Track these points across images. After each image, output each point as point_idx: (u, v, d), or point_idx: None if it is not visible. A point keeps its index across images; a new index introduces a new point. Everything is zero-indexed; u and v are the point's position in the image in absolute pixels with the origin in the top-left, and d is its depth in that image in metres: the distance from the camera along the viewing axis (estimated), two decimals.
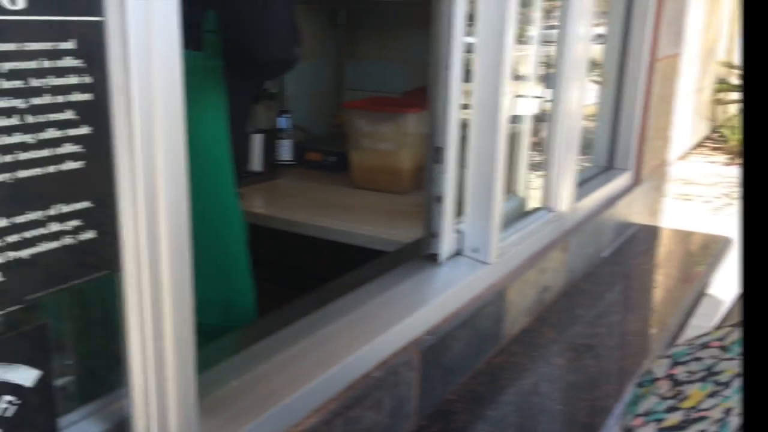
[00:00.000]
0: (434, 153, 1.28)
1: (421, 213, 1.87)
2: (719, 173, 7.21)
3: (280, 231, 1.85)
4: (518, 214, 1.58)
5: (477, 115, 1.32)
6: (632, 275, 1.87)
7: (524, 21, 1.66)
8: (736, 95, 8.80)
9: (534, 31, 1.68)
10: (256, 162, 2.19)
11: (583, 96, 1.70)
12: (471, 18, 1.28)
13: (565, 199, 1.65)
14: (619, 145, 2.13)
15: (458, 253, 1.35)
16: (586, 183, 1.94)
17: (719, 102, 9.03)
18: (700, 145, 8.50)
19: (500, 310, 1.36)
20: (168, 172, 0.65)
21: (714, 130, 9.11)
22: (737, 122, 8.15)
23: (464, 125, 1.31)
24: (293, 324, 1.05)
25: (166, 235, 0.67)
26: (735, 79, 8.74)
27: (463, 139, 1.31)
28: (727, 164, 7.65)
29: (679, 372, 0.73)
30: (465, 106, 1.31)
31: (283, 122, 2.39)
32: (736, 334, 0.74)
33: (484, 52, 1.29)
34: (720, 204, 5.97)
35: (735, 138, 7.96)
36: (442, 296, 1.17)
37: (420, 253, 1.32)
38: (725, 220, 5.39)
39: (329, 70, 2.77)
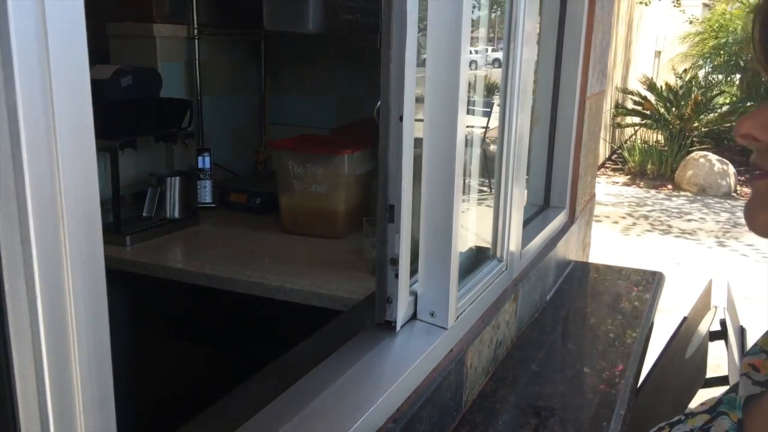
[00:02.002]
0: (386, 211, 1.17)
1: (360, 261, 1.77)
2: (621, 193, 7.55)
3: (202, 288, 1.67)
4: (469, 266, 1.49)
5: (429, 160, 1.22)
6: (577, 320, 1.83)
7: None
8: (632, 119, 9.29)
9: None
10: (173, 207, 2.00)
11: (528, 126, 1.64)
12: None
13: (513, 246, 1.59)
14: (554, 183, 2.11)
15: (414, 317, 1.24)
16: (527, 225, 1.89)
17: (618, 125, 9.50)
18: (602, 166, 8.89)
19: (460, 377, 1.26)
20: None
21: (614, 152, 9.56)
22: (634, 144, 8.59)
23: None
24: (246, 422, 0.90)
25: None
26: (631, 104, 9.23)
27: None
28: (627, 184, 8.03)
29: None
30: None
31: (202, 161, 2.22)
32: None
33: (437, 96, 1.19)
34: (627, 224, 6.22)
35: (633, 159, 8.38)
36: (403, 374, 1.06)
37: (373, 320, 1.20)
38: (636, 242, 5.61)
39: (251, 104, 2.62)
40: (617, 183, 8.16)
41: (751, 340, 3.54)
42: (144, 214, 1.94)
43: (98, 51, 2.22)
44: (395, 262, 1.16)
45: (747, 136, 0.52)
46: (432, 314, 1.23)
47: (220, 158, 2.43)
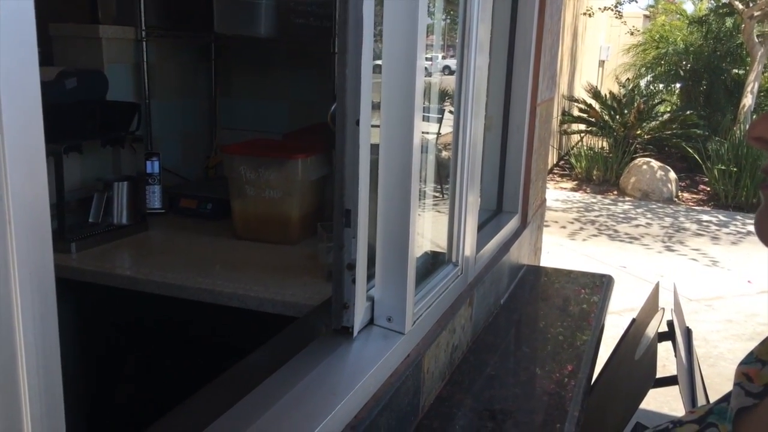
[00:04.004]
0: (343, 216, 1.16)
1: (314, 267, 1.75)
2: (568, 198, 7.72)
3: (153, 296, 1.63)
4: (425, 270, 1.49)
5: (385, 165, 1.21)
6: (530, 323, 1.85)
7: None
8: (578, 126, 9.52)
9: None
10: (121, 213, 1.94)
11: (481, 132, 1.66)
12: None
13: (468, 250, 1.60)
14: (507, 188, 2.13)
15: (371, 322, 1.23)
16: (480, 229, 1.90)
17: (564, 132, 9.72)
18: (550, 172, 9.07)
19: (417, 382, 1.26)
20: None
21: (561, 158, 9.78)
22: (581, 151, 8.80)
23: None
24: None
25: None
26: (577, 112, 9.46)
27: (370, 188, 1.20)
28: (574, 190, 8.23)
29: None
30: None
31: (151, 166, 2.16)
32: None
33: (393, 101, 1.19)
34: (575, 229, 6.36)
35: (580, 166, 8.59)
36: (360, 381, 1.05)
37: (329, 326, 1.19)
38: (584, 247, 5.73)
39: (201, 108, 2.57)
40: (565, 188, 8.34)
41: (697, 341, 3.66)
42: (90, 220, 1.88)
43: (41, 53, 2.14)
44: (352, 267, 1.16)
45: (760, 139, 0.48)
46: (389, 319, 1.23)
47: (170, 163, 2.37)
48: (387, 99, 1.19)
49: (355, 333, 1.17)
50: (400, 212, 1.21)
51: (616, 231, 6.37)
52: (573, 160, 8.85)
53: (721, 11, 9.91)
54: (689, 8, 12.23)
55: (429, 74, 2.42)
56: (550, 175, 8.95)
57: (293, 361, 1.10)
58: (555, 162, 9.53)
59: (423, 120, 1.50)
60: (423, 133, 1.95)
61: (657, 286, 1.96)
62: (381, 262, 1.23)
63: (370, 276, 1.24)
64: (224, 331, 1.76)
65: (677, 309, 1.78)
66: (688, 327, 1.76)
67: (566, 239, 6.00)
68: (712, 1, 10.67)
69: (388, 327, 1.22)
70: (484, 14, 1.53)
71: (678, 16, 11.28)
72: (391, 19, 1.16)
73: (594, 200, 7.71)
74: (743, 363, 0.65)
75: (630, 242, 6.00)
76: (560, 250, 5.61)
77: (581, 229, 6.40)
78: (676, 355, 1.52)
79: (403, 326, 1.21)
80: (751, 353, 0.65)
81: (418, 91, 1.18)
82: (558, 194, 7.94)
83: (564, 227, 6.45)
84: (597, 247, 5.77)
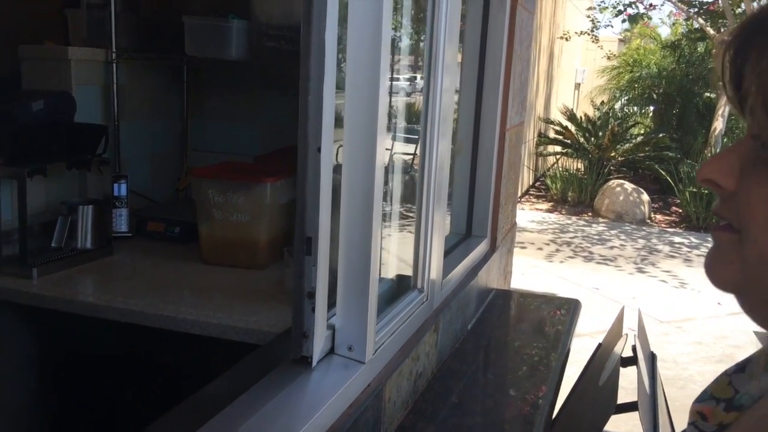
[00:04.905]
0: (303, 243, 1.15)
1: (281, 292, 1.73)
2: (544, 220, 7.78)
3: (115, 323, 1.60)
4: (389, 297, 1.49)
5: (348, 191, 1.21)
6: (497, 348, 1.85)
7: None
8: (554, 148, 9.63)
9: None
10: (85, 237, 1.91)
11: (449, 153, 1.66)
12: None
13: (434, 276, 1.60)
14: (476, 212, 2.14)
15: (332, 351, 1.22)
16: (448, 254, 1.91)
17: (540, 154, 9.83)
18: (526, 193, 9.15)
19: (377, 413, 1.25)
20: None
21: (537, 180, 9.88)
22: (556, 172, 8.90)
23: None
24: None
25: None
26: (553, 134, 9.58)
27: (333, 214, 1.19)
28: (550, 211, 8.30)
29: None
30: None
31: (118, 189, 2.14)
32: None
33: (355, 125, 1.19)
34: (551, 250, 6.40)
35: (555, 187, 8.68)
36: (318, 412, 1.04)
37: (289, 356, 1.17)
38: (561, 269, 5.77)
39: (172, 129, 2.56)
40: (540, 210, 8.41)
41: (667, 363, 3.68)
42: (53, 245, 1.85)
43: (9, 74, 2.12)
44: (312, 295, 1.15)
45: (709, 181, 0.48)
46: (350, 348, 1.22)
47: (139, 185, 2.35)
48: (350, 122, 1.19)
49: (315, 363, 1.16)
50: (362, 239, 1.20)
51: (591, 253, 6.42)
52: (549, 182, 8.94)
53: (693, 36, 10.14)
54: (665, 32, 12.50)
55: (408, 94, 2.44)
56: (526, 197, 9.03)
57: (251, 392, 1.08)
58: (531, 183, 9.62)
59: (400, 140, 1.50)
60: (399, 154, 1.95)
61: (622, 310, 1.97)
62: (342, 289, 1.22)
63: (333, 304, 1.23)
64: (187, 359, 1.74)
65: (641, 334, 1.80)
66: (652, 352, 1.77)
67: (541, 261, 6.04)
68: (685, 27, 10.93)
69: (349, 356, 1.21)
70: (451, 35, 1.54)
71: (652, 40, 11.52)
72: (354, 42, 1.17)
73: (569, 221, 7.78)
74: (697, 401, 0.65)
75: (604, 264, 6.06)
76: (535, 271, 5.64)
77: (557, 250, 6.44)
78: (638, 381, 1.53)
79: (364, 355, 1.20)
80: (705, 391, 0.65)
81: (381, 113, 1.18)
82: (534, 215, 8.00)
83: (540, 249, 6.49)
84: (571, 269, 5.81)
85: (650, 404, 1.45)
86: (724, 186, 0.47)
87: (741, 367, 0.64)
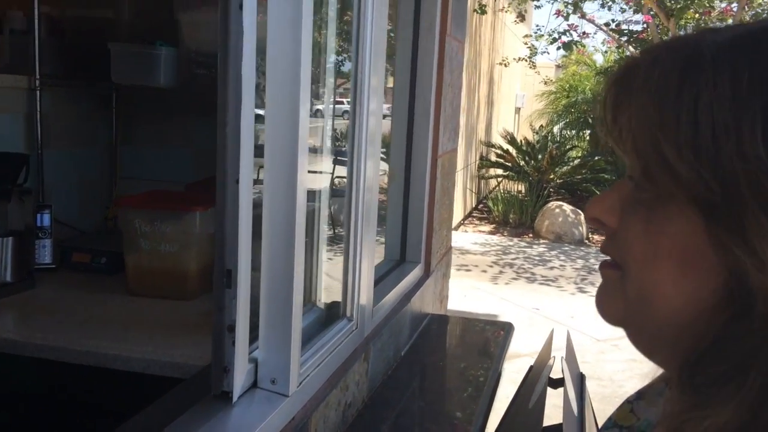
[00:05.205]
0: (223, 276, 1.13)
1: (209, 324, 1.69)
2: (487, 242, 7.90)
3: (35, 359, 1.53)
4: (316, 327, 1.48)
5: (269, 221, 1.20)
6: (430, 374, 1.86)
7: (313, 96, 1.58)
8: (495, 171, 9.83)
9: (322, 105, 1.64)
10: (5, 270, 1.84)
11: (377, 177, 1.66)
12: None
13: (364, 303, 1.59)
14: (410, 238, 2.16)
15: (254, 385, 1.20)
16: (381, 281, 1.91)
17: (482, 177, 10.01)
18: (469, 215, 9.28)
19: None
20: None
21: (480, 202, 10.04)
22: (498, 195, 9.08)
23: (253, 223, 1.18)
24: None
25: None
26: (494, 157, 9.78)
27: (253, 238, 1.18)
28: (492, 233, 8.44)
29: None
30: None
31: (41, 219, 2.06)
32: None
33: (275, 154, 1.19)
34: (495, 272, 6.49)
35: (497, 209, 8.84)
36: None
37: (209, 391, 1.15)
38: (505, 290, 5.85)
39: (101, 157, 2.49)
40: (483, 231, 8.53)
41: (603, 381, 3.75)
42: None
43: None
44: (232, 329, 1.13)
45: (595, 220, 0.50)
46: (273, 381, 1.20)
47: (66, 215, 2.28)
48: (270, 151, 1.19)
49: (236, 398, 1.13)
50: (284, 269, 1.19)
51: (533, 274, 6.55)
52: (491, 204, 9.10)
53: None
54: (600, 59, 12.97)
55: (344, 117, 2.45)
56: (470, 219, 9.16)
57: (168, 429, 1.05)
58: (474, 206, 9.77)
59: (339, 164, 1.49)
60: (338, 177, 1.93)
61: (551, 332, 2.01)
62: (265, 321, 1.21)
63: (256, 337, 1.22)
64: (111, 395, 1.68)
65: (569, 356, 1.84)
66: (581, 372, 1.81)
67: (484, 283, 6.11)
68: (617, 54, 11.37)
69: (272, 389, 1.19)
70: (377, 57, 1.55)
71: (587, 67, 11.94)
72: (273, 72, 1.17)
73: (511, 243, 7.92)
74: (602, 428, 0.66)
75: (546, 285, 6.18)
76: (477, 293, 5.70)
77: (500, 272, 6.54)
78: (564, 403, 1.57)
79: (287, 388, 1.19)
80: (610, 418, 0.66)
81: (301, 141, 1.18)
82: (477, 237, 8.11)
83: (485, 271, 6.57)
84: (513, 290, 5.90)
85: (578, 426, 1.48)
86: (608, 224, 0.49)
87: (641, 394, 0.66)
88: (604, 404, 2.88)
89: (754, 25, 0.45)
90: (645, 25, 8.49)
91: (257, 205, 1.21)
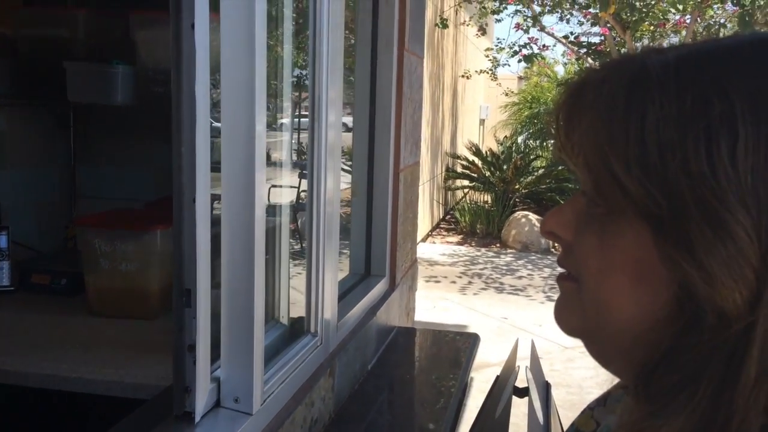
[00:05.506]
0: (182, 295, 1.13)
1: (171, 343, 1.67)
2: (455, 252, 7.94)
3: None
4: (280, 343, 1.47)
5: (228, 238, 1.20)
6: (397, 387, 1.86)
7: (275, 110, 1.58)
8: (462, 182, 9.91)
9: (287, 119, 1.64)
10: None
11: (338, 189, 1.66)
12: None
13: (328, 318, 1.59)
14: (374, 252, 2.16)
15: (217, 404, 1.19)
16: (346, 295, 1.91)
17: (449, 188, 10.08)
18: (436, 227, 9.33)
19: None
20: None
21: (447, 213, 10.10)
22: (465, 206, 9.15)
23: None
24: None
25: None
26: (460, 168, 9.86)
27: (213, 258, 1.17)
28: (460, 244, 8.49)
29: None
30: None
31: None
32: None
33: (232, 170, 1.19)
34: (464, 283, 6.52)
35: (464, 220, 8.91)
36: None
37: (171, 412, 1.13)
38: (474, 301, 5.88)
39: (59, 176, 2.45)
40: (451, 242, 8.58)
41: (572, 388, 3.78)
42: None
43: None
44: (193, 348, 1.12)
45: (551, 233, 0.51)
46: (236, 400, 1.19)
47: (24, 236, 2.23)
48: (227, 169, 1.19)
49: (198, 418, 1.12)
50: (244, 286, 1.19)
51: (501, 283, 6.60)
52: (458, 215, 9.16)
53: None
54: (562, 70, 13.21)
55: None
56: (437, 230, 9.20)
57: None
58: (441, 217, 9.82)
59: (304, 177, 1.48)
60: (303, 191, 1.94)
61: (516, 342, 2.03)
62: (226, 339, 1.20)
63: (218, 356, 1.21)
64: (72, 418, 1.64)
65: (534, 364, 1.86)
66: (547, 381, 1.83)
67: (453, 294, 6.14)
68: (577, 66, 11.60)
69: (235, 408, 1.18)
70: (334, 69, 1.55)
71: (546, 78, 12.15)
72: (227, 90, 1.17)
73: (479, 253, 7.98)
74: None
75: (514, 294, 6.23)
76: (446, 304, 5.73)
77: (470, 283, 6.58)
78: (528, 411, 1.58)
79: (251, 406, 1.18)
80: (572, 425, 0.68)
81: (258, 156, 1.18)
82: (445, 248, 8.15)
83: (454, 282, 6.60)
84: (481, 300, 5.94)
85: None
86: (563, 238, 0.51)
87: (602, 401, 0.67)
88: (573, 411, 2.91)
89: (697, 46, 0.47)
90: (603, 38, 8.69)
91: (217, 223, 1.21)
